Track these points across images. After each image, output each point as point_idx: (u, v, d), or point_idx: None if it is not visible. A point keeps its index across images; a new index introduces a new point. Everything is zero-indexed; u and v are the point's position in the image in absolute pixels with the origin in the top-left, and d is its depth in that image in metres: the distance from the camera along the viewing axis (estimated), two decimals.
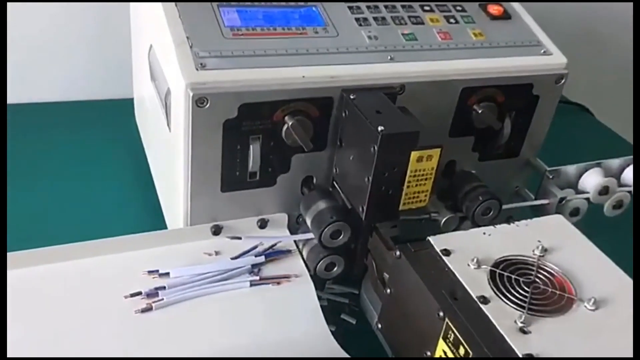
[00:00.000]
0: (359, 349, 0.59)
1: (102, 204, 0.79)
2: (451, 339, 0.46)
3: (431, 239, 0.54)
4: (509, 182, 0.74)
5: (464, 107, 0.65)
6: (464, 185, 0.65)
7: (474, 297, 0.48)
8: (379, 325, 0.58)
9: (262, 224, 0.63)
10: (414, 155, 0.54)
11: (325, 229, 0.58)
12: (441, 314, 0.47)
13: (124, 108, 0.92)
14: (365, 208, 0.56)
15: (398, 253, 0.53)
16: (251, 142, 0.58)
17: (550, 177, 0.69)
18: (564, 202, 0.68)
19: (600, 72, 1.32)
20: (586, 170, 0.71)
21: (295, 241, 0.63)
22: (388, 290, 0.55)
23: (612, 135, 1.11)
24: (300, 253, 0.62)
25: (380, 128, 0.53)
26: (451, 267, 0.51)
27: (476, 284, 0.49)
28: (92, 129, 0.93)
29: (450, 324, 0.46)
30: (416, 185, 0.56)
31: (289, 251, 0.62)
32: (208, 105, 0.55)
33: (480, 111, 0.64)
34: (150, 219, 0.76)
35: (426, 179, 0.56)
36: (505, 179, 0.73)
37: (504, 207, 0.66)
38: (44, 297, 0.55)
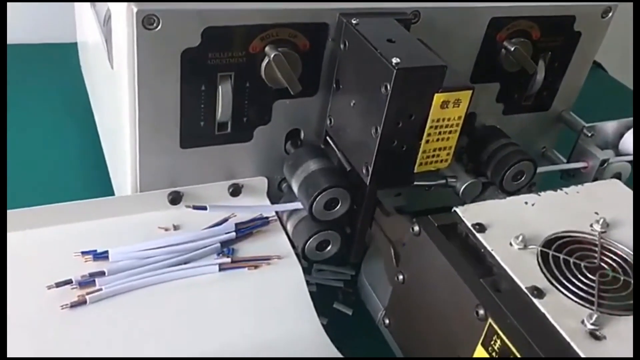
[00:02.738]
0: (357, 348, 0.46)
1: (36, 164, 0.64)
2: (496, 346, 0.34)
3: (459, 210, 0.41)
4: (535, 142, 0.61)
5: (492, 44, 0.51)
6: (489, 143, 0.52)
7: (524, 288, 0.35)
8: (386, 321, 0.45)
9: (235, 191, 0.50)
10: (438, 98, 0.41)
11: (318, 198, 0.44)
12: (481, 311, 0.34)
13: (68, 52, 0.77)
14: (371, 169, 0.43)
15: (417, 228, 0.40)
16: (220, 81, 0.44)
17: (589, 134, 0.57)
18: (605, 165, 0.56)
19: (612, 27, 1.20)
20: (628, 129, 0.59)
21: (276, 212, 0.50)
22: (400, 277, 0.42)
23: (628, 91, 1.00)
24: (284, 228, 0.49)
25: (395, 60, 0.39)
26: (488, 248, 0.38)
27: (524, 270, 0.36)
28: (32, 76, 0.78)
29: (495, 325, 0.34)
30: (437, 139, 0.43)
31: (267, 222, 0.49)
32: (159, 26, 0.40)
33: (512, 49, 0.50)
34: (95, 187, 0.61)
35: (450, 132, 0.43)
36: (532, 137, 0.60)
37: None
38: None
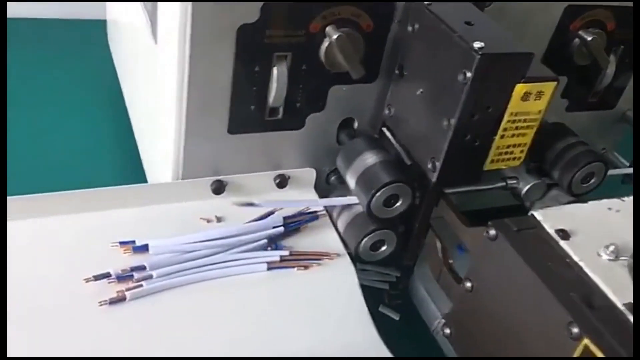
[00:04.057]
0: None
1: (61, 147, 0.60)
2: None
3: (537, 214, 0.37)
4: (595, 142, 0.57)
5: (564, 33, 0.47)
6: (556, 142, 0.48)
7: (620, 305, 0.32)
8: (447, 331, 0.41)
9: (282, 182, 0.46)
10: (520, 89, 0.37)
11: (378, 193, 0.40)
12: (575, 330, 0.31)
13: (95, 30, 0.73)
14: (439, 165, 0.39)
15: (493, 232, 0.36)
16: (275, 62, 0.40)
17: None
18: None
19: None
20: None
21: (325, 207, 0.46)
22: (468, 285, 0.39)
23: None
24: (334, 224, 0.45)
25: (477, 45, 0.35)
26: (575, 258, 0.34)
27: (618, 284, 0.33)
28: (57, 53, 0.74)
29: (591, 346, 0.30)
30: (513, 135, 0.39)
31: (316, 217, 0.45)
32: None
33: (590, 39, 0.46)
34: (123, 173, 0.58)
35: (528, 128, 0.39)
36: (592, 137, 0.56)
37: None
38: None
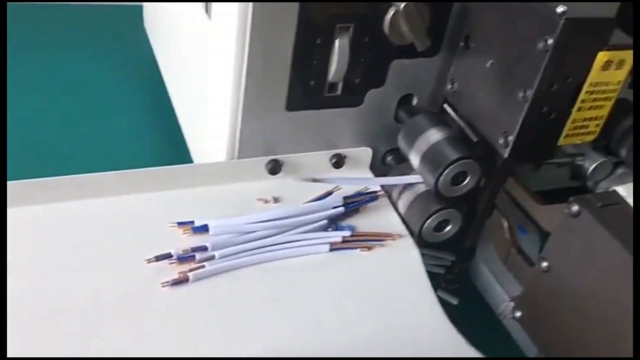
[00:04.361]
0: (478, 342, 0.41)
1: (98, 131, 0.59)
2: None
3: (621, 189, 0.35)
4: None
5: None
6: (625, 118, 0.46)
7: None
8: (517, 314, 0.39)
9: (338, 162, 0.44)
10: (602, 57, 0.35)
11: (446, 171, 0.39)
12: None
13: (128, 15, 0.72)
14: (512, 139, 0.37)
15: (576, 208, 0.34)
16: (337, 34, 0.39)
17: None
18: None
19: None
20: None
21: (382, 187, 0.44)
22: (544, 264, 0.37)
23: None
24: (394, 205, 0.44)
25: (559, 9, 0.33)
26: None
27: None
28: (92, 37, 0.73)
29: None
30: (590, 107, 0.37)
31: (376, 198, 0.43)
32: None
33: None
34: (164, 155, 0.57)
35: (606, 99, 0.37)
36: None
37: None
38: (19, 257, 0.36)
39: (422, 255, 0.48)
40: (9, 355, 0.30)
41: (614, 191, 0.35)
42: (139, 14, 0.69)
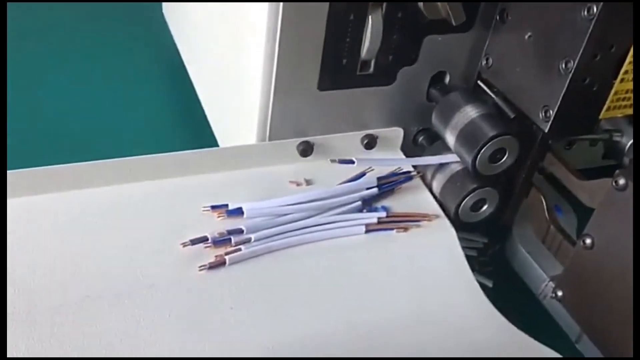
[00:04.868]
0: (520, 324, 0.40)
1: (118, 117, 0.59)
2: None
3: None
4: None
5: None
6: None
7: None
8: (559, 293, 0.38)
9: (370, 142, 0.43)
10: None
11: (484, 148, 0.38)
12: None
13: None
14: (553, 113, 0.36)
15: (623, 181, 0.33)
16: (370, 10, 0.38)
17: None
18: None
19: None
20: None
21: (415, 167, 0.44)
22: (588, 241, 0.36)
23: None
24: (428, 186, 0.43)
25: None
26: None
27: None
28: (108, 23, 0.72)
29: None
30: (633, 78, 0.36)
31: (410, 178, 0.42)
32: None
33: None
34: (188, 139, 0.56)
35: None
36: None
37: None
38: (53, 241, 0.35)
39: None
40: (9, 355, 0.30)
41: None
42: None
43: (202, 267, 0.34)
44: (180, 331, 0.32)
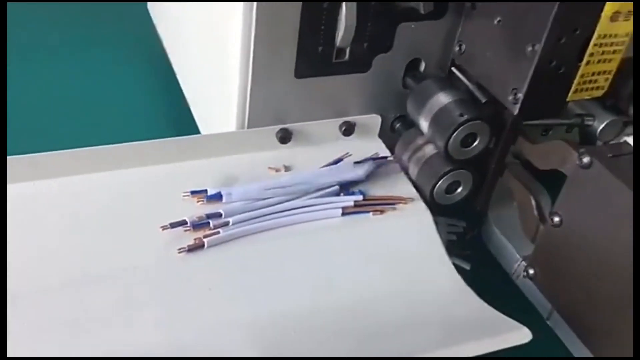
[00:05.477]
0: (494, 303, 0.41)
1: (99, 105, 0.60)
2: None
3: (631, 140, 0.35)
4: None
5: None
6: (630, 77, 0.46)
7: None
8: (530, 271, 0.40)
9: (348, 129, 0.44)
10: (610, 7, 0.35)
11: (455, 132, 0.39)
12: None
13: None
14: (521, 95, 0.37)
15: (587, 159, 0.34)
16: None
17: None
18: None
19: None
20: None
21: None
22: (556, 219, 0.37)
23: None
24: (404, 169, 0.44)
25: None
26: None
27: None
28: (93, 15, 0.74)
29: None
30: (599, 61, 0.37)
31: (385, 163, 0.43)
32: None
33: None
34: (169, 127, 0.57)
35: (614, 52, 0.37)
36: None
37: None
38: (35, 227, 0.36)
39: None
40: (9, 355, 0.31)
41: (625, 142, 0.35)
42: None
43: (182, 250, 0.35)
44: (161, 311, 0.33)
